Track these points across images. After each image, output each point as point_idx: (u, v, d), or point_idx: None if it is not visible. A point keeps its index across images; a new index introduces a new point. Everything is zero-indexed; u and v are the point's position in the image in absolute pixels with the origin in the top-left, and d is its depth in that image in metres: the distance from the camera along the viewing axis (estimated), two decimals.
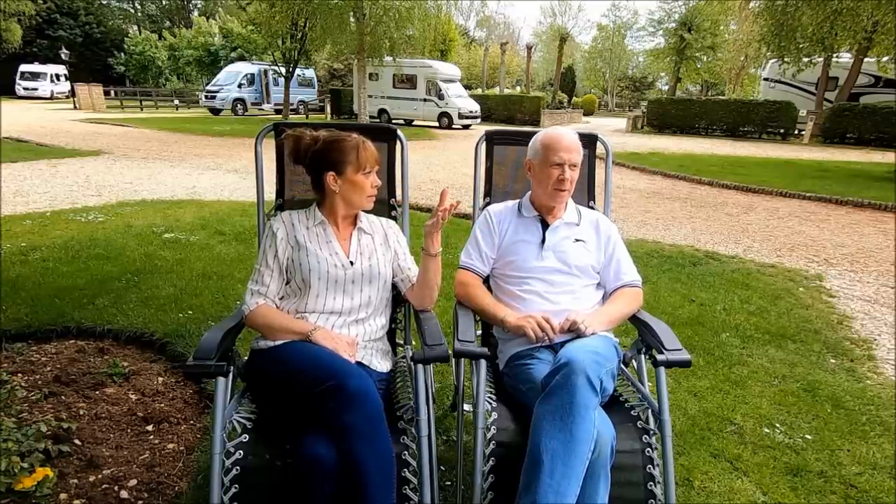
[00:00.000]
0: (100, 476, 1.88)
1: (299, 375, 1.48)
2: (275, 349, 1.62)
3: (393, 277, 1.86)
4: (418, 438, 1.50)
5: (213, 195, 7.17)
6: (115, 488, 1.83)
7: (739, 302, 3.86)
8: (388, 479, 1.40)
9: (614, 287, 1.87)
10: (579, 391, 1.38)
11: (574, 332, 1.67)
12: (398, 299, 1.94)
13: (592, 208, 2.20)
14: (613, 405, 1.67)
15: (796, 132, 19.65)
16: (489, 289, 1.95)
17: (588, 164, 2.23)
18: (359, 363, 1.64)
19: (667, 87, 36.27)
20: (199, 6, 48.23)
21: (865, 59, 18.00)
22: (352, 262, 1.75)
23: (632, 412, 1.64)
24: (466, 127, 21.51)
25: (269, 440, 1.49)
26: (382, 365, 1.75)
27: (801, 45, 17.38)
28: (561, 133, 1.88)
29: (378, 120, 21.80)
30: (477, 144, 2.21)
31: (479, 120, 22.23)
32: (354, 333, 1.72)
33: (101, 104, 24.81)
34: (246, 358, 1.72)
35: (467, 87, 27.24)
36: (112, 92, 28.79)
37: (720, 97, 32.31)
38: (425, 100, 21.61)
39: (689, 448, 2.19)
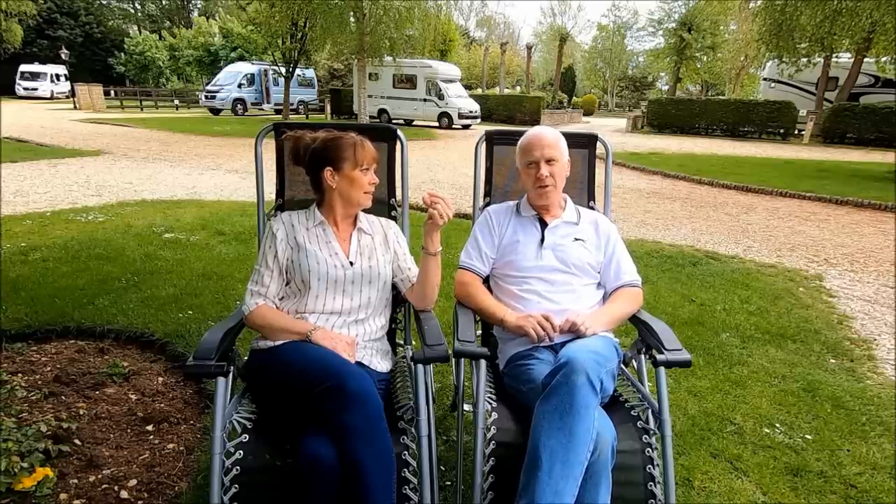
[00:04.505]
0: (100, 476, 1.88)
1: (299, 375, 1.48)
2: (275, 349, 1.62)
3: (393, 278, 1.86)
4: (418, 438, 1.50)
5: (214, 195, 7.17)
6: (115, 488, 1.83)
7: (739, 302, 3.86)
8: (388, 479, 1.40)
9: (614, 287, 1.87)
10: (579, 391, 1.38)
11: (574, 332, 1.67)
12: (398, 299, 1.94)
13: (592, 208, 2.20)
14: (613, 405, 1.67)
15: (796, 132, 19.64)
16: (489, 289, 1.95)
17: (588, 164, 2.23)
18: (359, 363, 1.64)
19: (667, 87, 36.28)
20: (199, 6, 48.27)
21: (865, 59, 18.00)
22: (351, 263, 1.75)
23: (632, 412, 1.64)
24: (466, 127, 21.51)
25: (269, 440, 1.49)
26: (382, 365, 1.75)
27: (799, 46, 17.37)
28: (535, 132, 1.90)
29: (378, 120, 21.80)
30: (477, 144, 2.21)
31: (479, 120, 22.24)
32: (354, 333, 1.72)
33: (101, 104, 24.82)
34: (246, 358, 1.73)
35: (467, 87, 27.24)
36: (112, 92, 28.81)
37: (720, 97, 32.31)
38: (425, 100, 21.62)
39: (689, 448, 2.19)
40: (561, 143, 1.88)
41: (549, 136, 1.87)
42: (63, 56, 28.38)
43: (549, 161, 1.84)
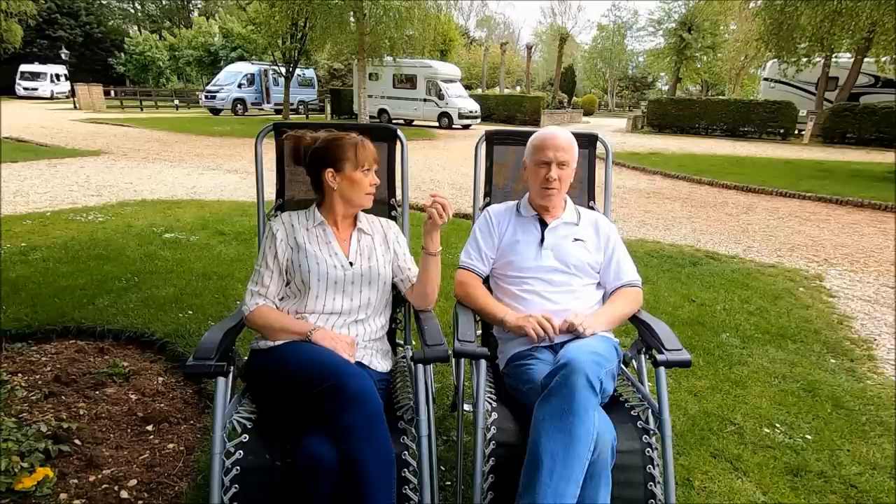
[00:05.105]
0: (100, 476, 1.88)
1: (299, 375, 1.48)
2: (275, 349, 1.62)
3: (393, 278, 1.86)
4: (418, 438, 1.50)
5: (214, 195, 7.17)
6: (115, 488, 1.83)
7: (739, 302, 3.86)
8: (388, 479, 1.40)
9: (614, 287, 1.87)
10: (579, 392, 1.38)
11: (573, 332, 1.67)
12: (398, 299, 1.94)
13: (592, 208, 2.20)
14: (613, 405, 1.67)
15: (796, 132, 19.64)
16: (489, 289, 1.95)
17: (588, 164, 2.23)
18: (358, 363, 1.64)
19: (667, 87, 36.28)
20: (199, 6, 48.26)
21: (865, 60, 18.00)
22: (351, 263, 1.75)
23: (632, 412, 1.64)
24: (466, 127, 21.51)
25: (269, 440, 1.49)
26: (382, 365, 1.75)
27: (799, 46, 17.38)
28: (551, 132, 1.88)
29: (378, 120, 21.80)
30: (477, 144, 2.21)
31: (479, 120, 22.22)
32: (354, 334, 1.72)
33: (101, 104, 24.80)
34: (246, 358, 1.73)
35: (467, 87, 27.23)
36: (112, 92, 28.79)
37: (720, 97, 32.31)
38: (425, 100, 21.61)
39: (689, 448, 2.19)
40: (574, 147, 1.87)
41: (564, 139, 1.85)
42: (63, 56, 28.41)
43: (560, 164, 1.83)
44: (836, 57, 18.84)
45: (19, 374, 2.43)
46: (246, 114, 25.06)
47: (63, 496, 1.77)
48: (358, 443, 1.37)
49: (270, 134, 2.04)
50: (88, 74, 33.43)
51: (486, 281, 1.97)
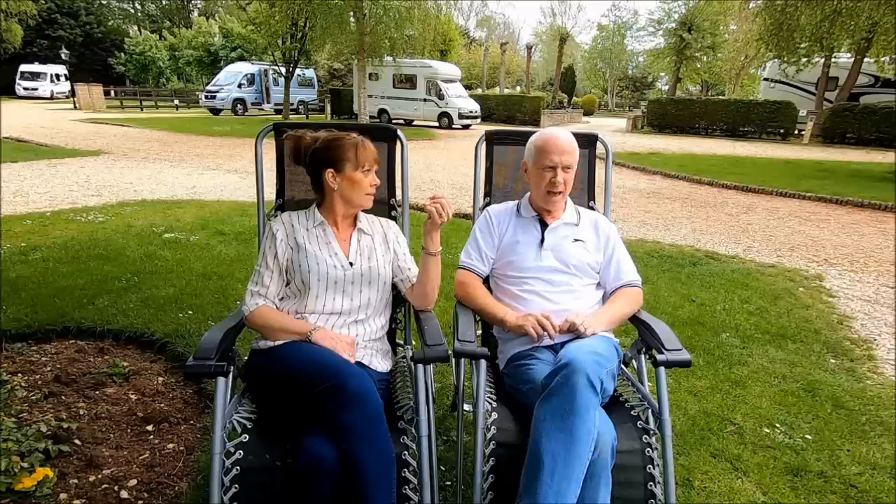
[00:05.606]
0: (100, 476, 1.88)
1: (299, 375, 1.48)
2: (275, 349, 1.62)
3: (393, 278, 1.86)
4: (418, 438, 1.50)
5: (214, 195, 7.17)
6: (115, 488, 1.83)
7: (739, 302, 3.86)
8: (388, 479, 1.40)
9: (614, 287, 1.87)
10: (580, 392, 1.38)
11: (574, 332, 1.67)
12: (398, 299, 1.94)
13: (592, 208, 2.21)
14: (613, 405, 1.67)
15: (796, 132, 19.65)
16: (489, 289, 1.95)
17: (588, 163, 2.23)
18: (358, 363, 1.64)
19: (667, 87, 36.29)
20: (199, 6, 48.27)
21: (865, 60, 18.01)
22: (351, 264, 1.75)
23: (632, 412, 1.64)
24: (466, 127, 21.51)
25: (269, 440, 1.49)
26: (382, 365, 1.75)
27: (799, 45, 17.38)
28: (554, 134, 1.86)
29: (378, 120, 21.80)
30: (477, 144, 2.21)
31: (479, 120, 22.23)
32: (354, 334, 1.72)
33: (101, 104, 24.80)
34: (246, 358, 1.73)
35: (467, 87, 27.23)
36: (112, 92, 28.80)
37: (720, 97, 32.31)
38: (425, 100, 21.61)
39: (689, 448, 2.19)
40: (576, 149, 1.86)
41: (567, 141, 1.84)
42: (63, 56, 28.40)
43: (565, 168, 1.83)
44: (835, 57, 18.85)
45: (19, 374, 2.43)
46: (246, 114, 25.06)
47: (63, 496, 1.77)
48: (358, 443, 1.37)
49: (270, 134, 2.04)
50: (88, 74, 33.43)
51: (486, 281, 1.97)
